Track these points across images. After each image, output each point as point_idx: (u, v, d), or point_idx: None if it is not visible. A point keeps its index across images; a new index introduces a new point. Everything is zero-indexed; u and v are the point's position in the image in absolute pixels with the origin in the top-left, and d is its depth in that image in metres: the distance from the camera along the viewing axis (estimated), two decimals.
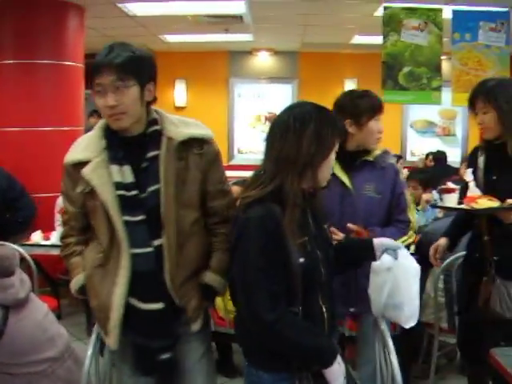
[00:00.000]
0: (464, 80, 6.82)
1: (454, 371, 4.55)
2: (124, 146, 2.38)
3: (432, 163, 9.42)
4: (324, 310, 2.21)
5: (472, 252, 3.32)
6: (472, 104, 3.14)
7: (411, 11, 7.11)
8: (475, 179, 3.20)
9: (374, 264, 2.34)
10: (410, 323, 2.37)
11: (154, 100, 2.42)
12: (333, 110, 2.96)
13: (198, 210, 2.48)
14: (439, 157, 9.44)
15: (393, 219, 3.13)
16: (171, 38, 9.80)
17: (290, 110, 2.19)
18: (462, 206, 3.09)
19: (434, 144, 11.21)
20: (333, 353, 2.13)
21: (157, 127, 2.41)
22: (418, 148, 11.57)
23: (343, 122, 2.95)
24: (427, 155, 9.87)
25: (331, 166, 2.23)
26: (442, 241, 3.42)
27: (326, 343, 2.15)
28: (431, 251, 3.42)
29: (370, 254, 2.38)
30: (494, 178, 3.13)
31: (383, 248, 2.35)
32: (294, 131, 2.10)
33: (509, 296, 3.04)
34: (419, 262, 2.40)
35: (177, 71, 11.24)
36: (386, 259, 2.32)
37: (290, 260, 2.07)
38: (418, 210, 6.12)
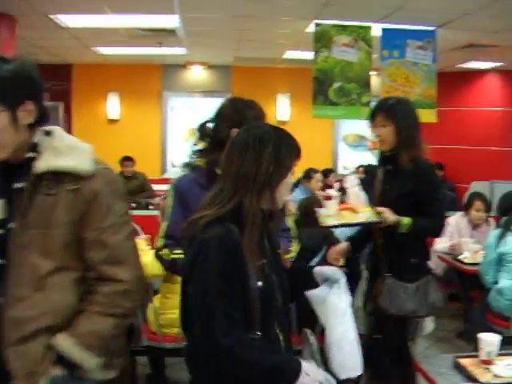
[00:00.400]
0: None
1: None
2: (3, 175, 2.07)
3: (363, 175, 9.60)
4: (281, 338, 2.13)
5: (372, 256, 3.62)
6: (372, 118, 3.56)
7: (342, 28, 7.29)
8: (374, 189, 3.54)
9: (310, 294, 2.23)
10: (341, 374, 2.14)
11: (42, 119, 2.08)
12: (215, 118, 2.99)
13: (68, 260, 2.04)
14: (369, 169, 9.64)
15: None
16: (104, 51, 9.71)
17: (248, 131, 2.16)
18: (325, 220, 3.40)
19: (365, 158, 11.37)
20: (296, 366, 2.01)
21: (31, 154, 2.04)
22: (350, 162, 11.75)
23: (229, 132, 2.81)
24: (358, 167, 10.08)
25: (289, 188, 2.20)
26: (343, 244, 3.68)
27: (287, 358, 2.07)
28: (332, 253, 3.61)
29: (311, 282, 2.28)
30: (387, 187, 3.47)
31: (323, 277, 2.26)
32: (253, 150, 2.07)
33: (396, 294, 3.33)
34: (349, 274, 2.39)
35: (110, 84, 11.15)
36: (322, 291, 2.22)
37: (248, 283, 2.01)
38: None
